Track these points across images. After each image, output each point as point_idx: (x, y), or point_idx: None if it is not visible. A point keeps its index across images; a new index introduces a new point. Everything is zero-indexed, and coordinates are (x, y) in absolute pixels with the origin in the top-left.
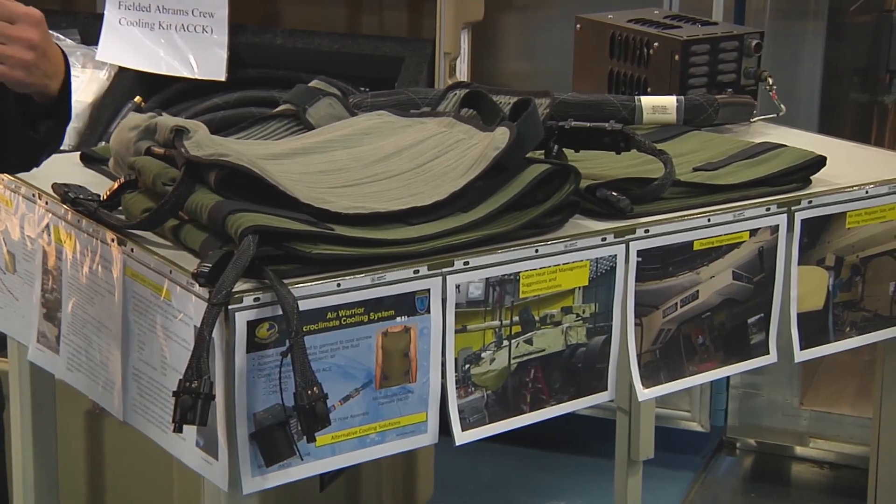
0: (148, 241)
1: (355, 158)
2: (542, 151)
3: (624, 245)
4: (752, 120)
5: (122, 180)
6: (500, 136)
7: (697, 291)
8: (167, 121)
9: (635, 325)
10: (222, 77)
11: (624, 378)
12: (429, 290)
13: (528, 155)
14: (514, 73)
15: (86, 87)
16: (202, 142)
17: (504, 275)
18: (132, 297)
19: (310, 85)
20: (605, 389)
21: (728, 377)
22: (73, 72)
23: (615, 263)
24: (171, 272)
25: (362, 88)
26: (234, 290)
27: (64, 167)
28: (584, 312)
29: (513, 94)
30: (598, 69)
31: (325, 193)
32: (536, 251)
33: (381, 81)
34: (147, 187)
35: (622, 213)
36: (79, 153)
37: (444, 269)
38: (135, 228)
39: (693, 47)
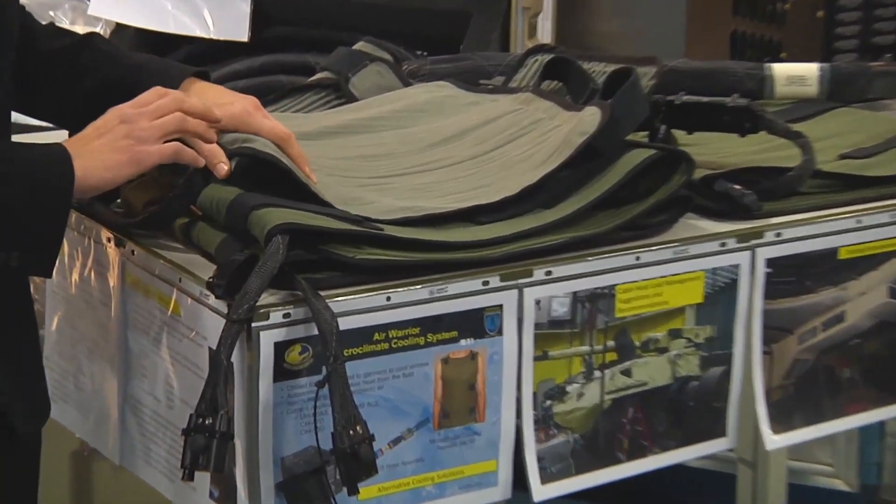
0: (152, 241)
1: (406, 141)
2: (646, 133)
3: (749, 252)
4: None
5: None
6: (590, 117)
7: (843, 312)
8: None
9: (763, 353)
10: (244, 37)
11: (747, 421)
12: (501, 305)
13: (627, 138)
14: (610, 34)
15: None
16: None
17: (596, 288)
18: (132, 310)
19: (354, 48)
20: (724, 435)
21: (882, 422)
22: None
23: (737, 275)
24: (180, 280)
25: (419, 52)
26: (258, 304)
27: None
28: (697, 337)
29: (609, 62)
30: (718, 29)
31: (364, 189)
32: (637, 259)
33: (443, 43)
34: (152, 175)
35: (747, 212)
36: (67, 131)
37: (520, 280)
38: (137, 226)
39: (841, 1)
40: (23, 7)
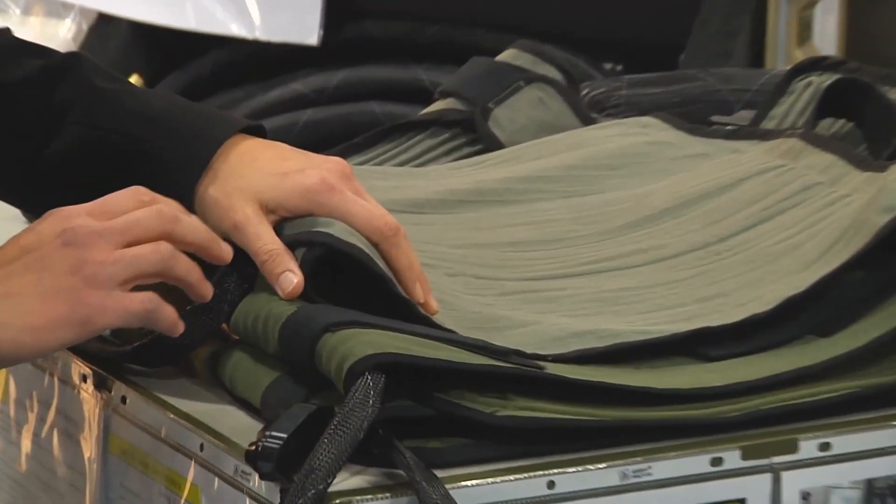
0: (156, 382)
1: (586, 219)
2: None
3: None
4: None
5: None
6: None
7: None
8: None
9: None
10: (313, 39)
11: None
12: (744, 501)
13: None
14: None
15: None
16: None
17: None
18: (122, 496)
19: (498, 59)
20: None
21: None
22: (8, 24)
23: None
24: (201, 448)
25: (609, 66)
26: (332, 489)
27: None
28: None
29: None
30: None
31: (512, 299)
32: None
33: (650, 52)
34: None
35: None
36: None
37: (776, 459)
38: (132, 358)
39: None
40: None
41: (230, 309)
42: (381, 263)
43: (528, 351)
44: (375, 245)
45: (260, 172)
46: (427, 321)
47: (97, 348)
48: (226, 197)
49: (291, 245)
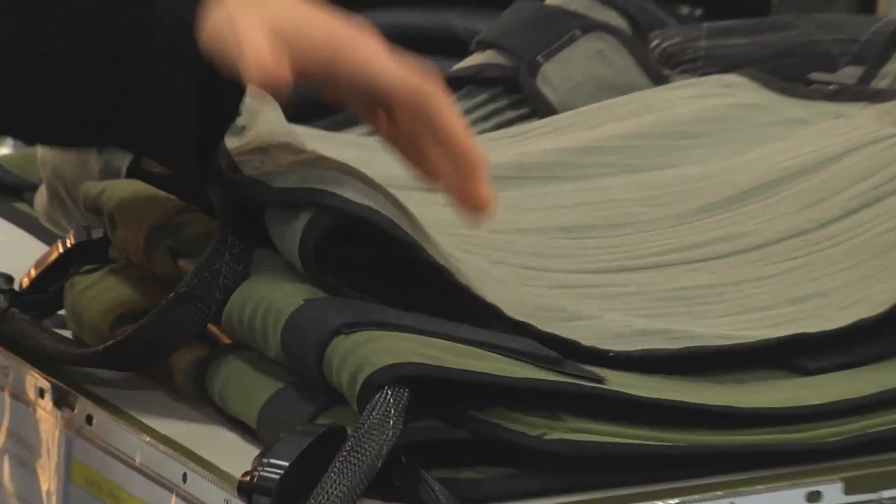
0: (128, 396)
1: (656, 199)
2: None
3: None
4: None
5: (71, 241)
6: None
7: None
8: None
9: None
10: None
11: None
12: None
13: None
14: None
15: None
16: (272, 140)
17: None
18: None
19: (547, 2)
20: None
21: None
22: None
23: None
24: (184, 478)
25: (685, 10)
26: None
27: None
28: None
29: None
30: None
31: (568, 293)
32: None
33: None
34: (133, 260)
35: None
36: None
37: (885, 494)
38: (98, 364)
39: None
40: None
41: (223, 297)
42: (406, 225)
43: (585, 343)
44: (416, 108)
45: (284, 2)
46: (466, 293)
47: (60, 352)
48: (230, 11)
49: (291, 206)
